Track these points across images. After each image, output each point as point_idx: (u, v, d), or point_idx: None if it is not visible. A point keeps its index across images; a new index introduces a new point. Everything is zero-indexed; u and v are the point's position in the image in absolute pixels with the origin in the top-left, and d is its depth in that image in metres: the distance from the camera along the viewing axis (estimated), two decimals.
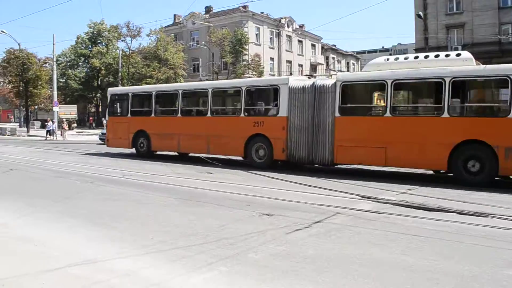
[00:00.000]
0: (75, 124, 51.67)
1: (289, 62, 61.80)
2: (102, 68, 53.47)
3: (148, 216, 7.45)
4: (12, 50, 44.99)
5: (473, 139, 11.05)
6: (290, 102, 14.10)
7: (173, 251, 5.43)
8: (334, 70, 66.45)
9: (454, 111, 11.55)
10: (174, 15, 62.38)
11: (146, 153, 18.26)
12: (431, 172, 13.48)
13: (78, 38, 57.10)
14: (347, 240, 6.00)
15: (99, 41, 56.50)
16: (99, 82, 56.03)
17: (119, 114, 19.50)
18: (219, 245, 5.65)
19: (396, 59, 13.10)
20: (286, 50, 61.05)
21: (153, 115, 18.04)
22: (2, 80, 59.09)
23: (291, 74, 58.16)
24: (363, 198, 9.07)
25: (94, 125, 57.03)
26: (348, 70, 75.16)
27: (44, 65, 47.67)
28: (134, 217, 7.37)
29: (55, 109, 41.18)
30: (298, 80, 14.62)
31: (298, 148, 13.99)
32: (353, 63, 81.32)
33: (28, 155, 19.67)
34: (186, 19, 59.19)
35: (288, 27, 61.37)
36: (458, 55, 12.23)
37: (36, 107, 54.39)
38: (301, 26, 65.60)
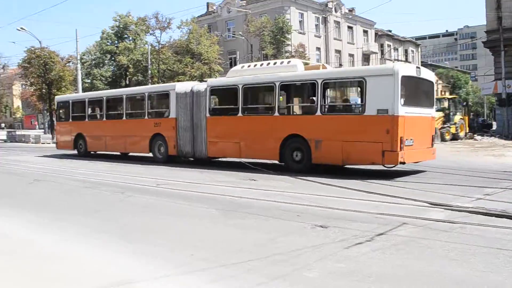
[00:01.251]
0: None
1: (338, 51, 61.29)
2: (130, 65, 54.30)
3: (187, 229, 7.47)
4: (33, 49, 46.61)
5: (295, 134, 14.80)
6: (178, 105, 18.55)
7: (217, 270, 5.40)
8: (390, 59, 65.35)
9: (281, 111, 15.47)
10: (207, 3, 63.17)
11: (84, 153, 23.52)
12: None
13: (103, 33, 58.21)
14: (417, 255, 5.79)
15: (125, 35, 57.46)
16: (127, 82, 57.14)
17: (63, 119, 25.14)
18: (268, 263, 5.57)
19: (249, 66, 17.55)
20: (334, 38, 60.57)
21: (87, 119, 23.52)
22: (24, 82, 60.94)
23: (340, 65, 57.63)
24: (433, 206, 8.78)
25: None
26: (406, 59, 73.70)
27: (67, 64, 49.12)
28: (171, 231, 7.40)
29: None
30: (184, 85, 19.12)
31: (185, 144, 18.36)
32: (412, 51, 79.64)
33: (53, 164, 20.27)
34: (220, 7, 59.78)
35: (336, 11, 60.87)
36: (288, 62, 16.38)
37: None
38: (351, 10, 64.96)
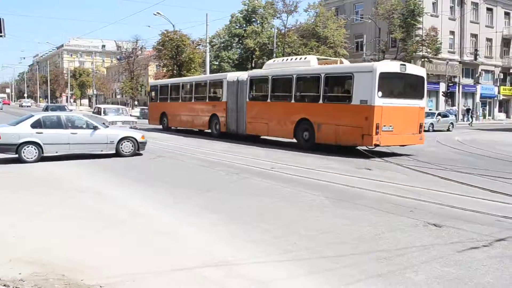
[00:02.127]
0: None
1: (474, 36, 57.16)
2: (256, 48, 55.42)
3: (295, 217, 7.45)
4: (166, 32, 49.31)
5: (305, 118, 18.04)
6: (228, 91, 22.59)
7: (317, 261, 5.31)
8: None
9: (296, 98, 18.75)
10: None
11: (166, 128, 28.42)
12: None
13: (232, 17, 60.06)
14: None
15: (253, 19, 58.78)
16: (253, 64, 58.27)
17: (153, 100, 30.23)
18: (371, 258, 5.37)
19: (278, 60, 21.93)
20: (471, 21, 56.53)
21: (169, 101, 28.30)
22: (157, 63, 64.67)
23: (476, 51, 53.86)
24: None
25: None
26: None
27: (197, 47, 51.28)
28: (278, 216, 7.43)
29: None
30: (233, 75, 23.37)
31: (231, 123, 22.42)
32: None
33: (178, 141, 21.36)
34: None
35: None
36: (305, 58, 20.04)
37: None
38: None
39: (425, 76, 17.62)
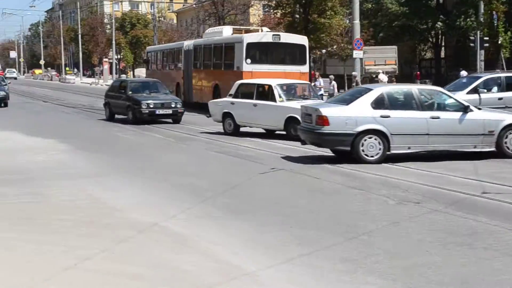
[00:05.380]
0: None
1: None
2: None
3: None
4: None
5: (217, 84, 20.95)
6: (184, 59, 24.75)
7: None
8: None
9: (211, 66, 22.61)
10: None
11: None
12: None
13: None
14: None
15: None
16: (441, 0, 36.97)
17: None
18: None
19: (210, 30, 26.04)
20: None
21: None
22: (266, 1, 37.45)
23: None
24: None
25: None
26: None
27: None
28: None
29: (356, 54, 22.82)
30: (188, 43, 25.76)
31: (188, 92, 24.10)
32: None
33: None
34: None
35: None
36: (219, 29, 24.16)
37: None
38: None
39: (306, 44, 20.57)
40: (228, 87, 17.39)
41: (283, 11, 31.67)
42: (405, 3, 35.66)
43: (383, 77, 25.44)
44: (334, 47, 32.93)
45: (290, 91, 14.50)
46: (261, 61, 19.57)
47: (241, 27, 28.04)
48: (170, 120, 18.21)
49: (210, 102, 16.39)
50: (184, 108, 18.42)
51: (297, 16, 31.01)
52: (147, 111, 17.59)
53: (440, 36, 39.28)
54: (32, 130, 15.69)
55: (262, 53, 20.12)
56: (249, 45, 19.34)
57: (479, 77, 15.70)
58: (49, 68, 79.27)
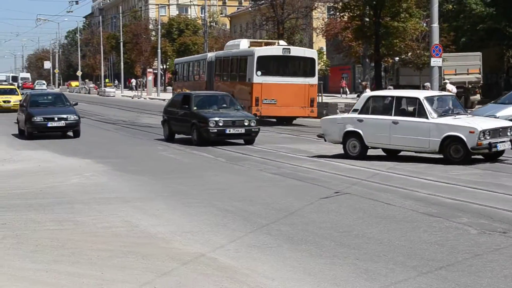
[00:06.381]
0: (478, 96, 29.03)
1: None
2: None
3: None
4: None
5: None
6: (207, 70, 27.11)
7: None
8: None
9: (228, 77, 25.48)
10: None
11: None
12: None
13: None
14: None
15: None
16: None
17: None
18: None
19: (231, 42, 28.46)
20: None
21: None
22: (332, 3, 34.30)
23: None
24: None
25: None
26: None
27: None
28: None
29: (435, 62, 19.76)
30: (211, 55, 28.09)
31: None
32: None
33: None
34: None
35: None
36: (239, 42, 26.10)
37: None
38: None
39: (315, 57, 22.86)
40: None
41: (351, 14, 28.98)
42: (492, 4, 31.12)
43: (451, 88, 22.52)
44: (409, 54, 29.39)
45: (442, 105, 12.22)
46: (271, 73, 21.33)
47: (259, 40, 30.23)
48: (241, 141, 15.87)
49: (323, 119, 13.98)
50: (259, 127, 16.08)
51: (367, 19, 28.82)
52: (215, 130, 15.05)
53: None
54: (65, 149, 15.11)
55: (272, 65, 21.86)
56: (260, 58, 21.21)
57: None
58: (86, 80, 75.44)
